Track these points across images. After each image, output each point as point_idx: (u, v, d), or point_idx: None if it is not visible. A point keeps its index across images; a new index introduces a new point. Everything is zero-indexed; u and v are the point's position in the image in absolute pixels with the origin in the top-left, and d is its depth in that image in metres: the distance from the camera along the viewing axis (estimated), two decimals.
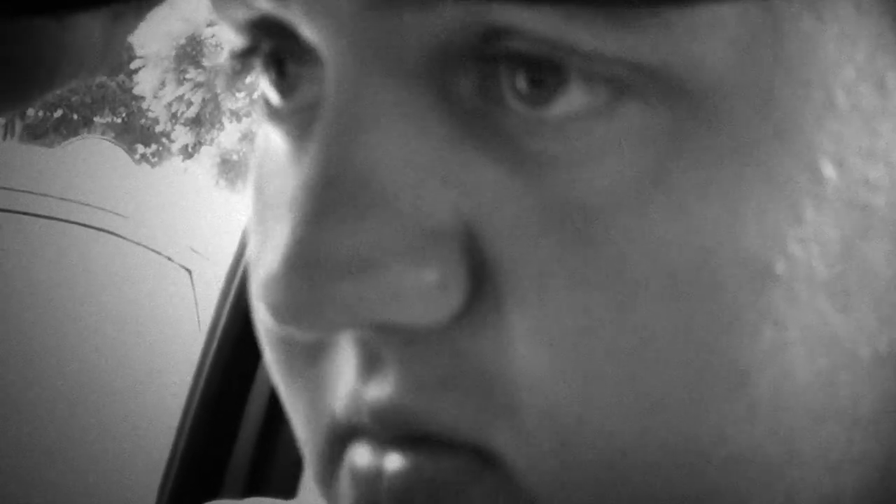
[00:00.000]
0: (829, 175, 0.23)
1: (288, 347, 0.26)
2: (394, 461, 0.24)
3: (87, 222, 1.42)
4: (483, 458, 0.24)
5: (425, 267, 0.23)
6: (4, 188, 1.34)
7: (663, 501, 0.24)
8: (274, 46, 0.26)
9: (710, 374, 0.23)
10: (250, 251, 0.29)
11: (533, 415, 0.23)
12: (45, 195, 1.38)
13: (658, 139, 0.23)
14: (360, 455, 0.25)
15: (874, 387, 0.24)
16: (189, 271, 1.56)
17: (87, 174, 1.56)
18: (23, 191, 1.36)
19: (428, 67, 0.24)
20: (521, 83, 0.23)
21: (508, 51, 0.23)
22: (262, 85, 0.27)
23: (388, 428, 0.24)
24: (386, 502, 0.24)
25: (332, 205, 0.23)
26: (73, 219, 1.42)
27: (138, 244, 1.48)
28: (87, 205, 1.44)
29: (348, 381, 0.25)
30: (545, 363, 0.23)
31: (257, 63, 0.27)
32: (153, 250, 1.50)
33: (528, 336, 0.23)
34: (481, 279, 0.23)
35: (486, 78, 0.23)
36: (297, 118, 0.26)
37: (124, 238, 1.46)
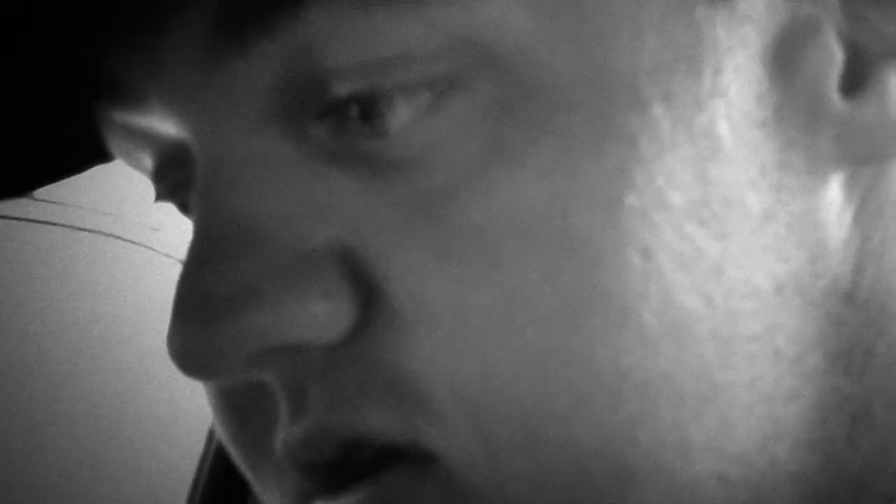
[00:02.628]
0: (657, 108, 0.24)
1: (237, 416, 0.28)
2: (344, 498, 0.25)
3: (117, 234, 1.43)
4: (421, 462, 0.25)
5: (303, 289, 0.24)
6: (47, 201, 1.35)
7: (593, 449, 0.24)
8: (174, 182, 0.28)
9: (589, 311, 0.23)
10: None
11: (445, 401, 0.24)
12: (80, 207, 1.39)
13: (486, 114, 0.24)
14: None
15: (786, 318, 0.25)
16: None
17: (116, 187, 1.57)
18: (47, 201, 1.37)
19: (275, 116, 0.25)
20: (356, 115, 0.24)
21: (338, 98, 0.24)
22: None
23: (321, 451, 0.25)
24: None
25: (209, 254, 0.24)
26: (107, 230, 1.43)
27: (168, 256, 1.48)
28: (115, 216, 1.45)
29: (282, 430, 0.26)
30: (440, 347, 0.24)
31: (170, 200, 0.29)
32: (165, 255, 1.50)
33: (418, 326, 0.24)
34: (371, 290, 0.24)
35: (331, 121, 0.25)
36: None
37: (156, 251, 1.47)
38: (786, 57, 0.26)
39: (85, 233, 1.39)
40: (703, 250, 0.24)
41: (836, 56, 0.27)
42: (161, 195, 0.29)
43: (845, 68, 0.27)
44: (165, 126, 0.26)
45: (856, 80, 0.27)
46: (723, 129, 0.25)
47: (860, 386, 0.27)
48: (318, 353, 0.25)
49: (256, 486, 0.28)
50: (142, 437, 1.36)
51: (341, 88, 0.24)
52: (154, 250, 1.46)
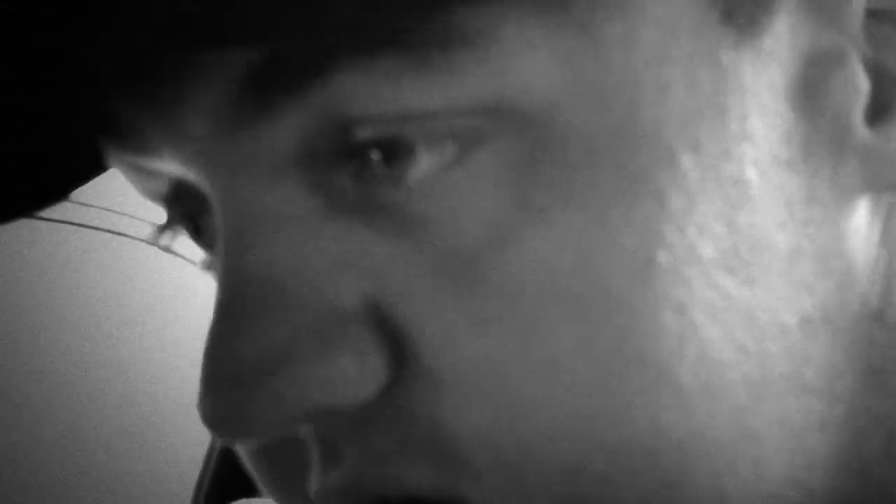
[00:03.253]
0: (685, 159, 0.23)
1: (272, 467, 0.27)
2: None
3: (137, 235, 1.45)
4: None
5: (337, 350, 0.24)
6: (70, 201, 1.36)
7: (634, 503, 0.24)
8: (186, 211, 0.28)
9: (626, 374, 0.23)
10: None
11: (481, 458, 0.24)
12: (93, 206, 1.41)
13: (513, 170, 0.23)
14: None
15: (816, 352, 0.25)
16: None
17: (122, 184, 1.56)
18: (70, 201, 1.37)
19: (296, 168, 0.25)
20: (380, 162, 0.24)
21: (360, 142, 0.24)
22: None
23: (354, 501, 0.25)
24: None
25: (238, 314, 0.24)
26: (121, 230, 1.44)
27: (180, 256, 1.50)
28: (137, 218, 1.47)
29: (316, 480, 0.26)
30: (475, 406, 0.24)
31: (180, 227, 0.29)
32: (188, 259, 1.52)
33: (454, 386, 0.24)
34: (402, 347, 0.24)
35: (354, 167, 0.24)
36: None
37: (176, 253, 1.48)
38: (810, 91, 0.25)
39: (91, 230, 1.40)
40: (734, 298, 0.24)
41: (862, 85, 0.26)
42: (172, 221, 0.29)
43: (870, 97, 0.26)
44: (180, 171, 0.26)
45: (880, 109, 0.26)
46: (751, 174, 0.24)
47: (894, 403, 0.26)
48: (352, 410, 0.24)
49: None
50: (150, 433, 1.38)
51: (364, 132, 0.24)
52: (173, 252, 1.46)
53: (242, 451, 0.28)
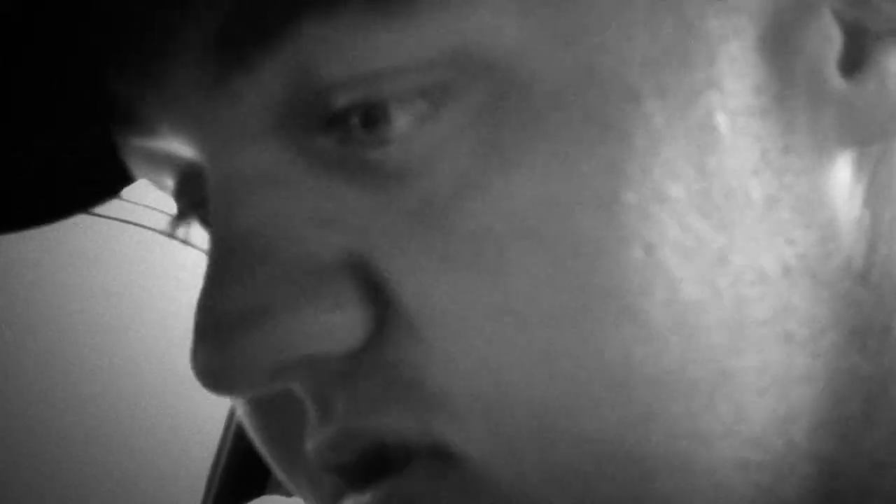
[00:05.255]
0: (650, 102, 0.24)
1: (267, 423, 0.28)
2: (366, 495, 0.26)
3: (144, 223, 1.44)
4: (442, 460, 0.25)
5: (317, 301, 0.25)
6: None
7: (606, 444, 0.24)
8: (193, 198, 0.29)
9: (591, 309, 0.24)
10: None
11: (460, 401, 0.24)
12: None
13: (480, 119, 0.24)
14: None
15: (798, 302, 0.25)
16: None
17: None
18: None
19: (279, 130, 0.26)
20: (359, 126, 0.25)
21: (339, 110, 0.25)
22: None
23: (348, 453, 0.26)
24: None
25: (222, 271, 0.25)
26: (128, 218, 1.43)
27: (188, 244, 1.49)
28: (144, 206, 1.45)
29: (311, 435, 0.27)
30: (451, 350, 0.24)
31: (192, 217, 0.30)
32: (200, 249, 1.50)
33: (430, 331, 0.24)
34: (384, 298, 0.25)
35: (335, 132, 0.25)
36: None
37: (180, 240, 1.47)
38: (783, 42, 0.26)
39: (101, 221, 1.39)
40: (707, 241, 0.24)
41: (835, 37, 0.27)
42: (182, 213, 0.30)
43: (844, 48, 0.27)
44: (178, 148, 0.27)
45: (855, 60, 0.27)
46: (720, 120, 0.25)
47: (876, 365, 0.27)
48: (337, 362, 0.25)
49: (291, 487, 0.29)
50: (160, 428, 1.37)
51: (340, 99, 0.25)
52: (174, 238, 1.46)
53: (241, 412, 0.29)
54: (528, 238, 0.24)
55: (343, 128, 0.25)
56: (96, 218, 1.38)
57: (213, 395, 0.25)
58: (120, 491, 1.31)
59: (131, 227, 1.42)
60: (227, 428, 1.02)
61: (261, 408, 0.28)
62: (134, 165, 0.29)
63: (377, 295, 0.25)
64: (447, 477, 0.25)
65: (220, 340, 0.25)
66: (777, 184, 0.25)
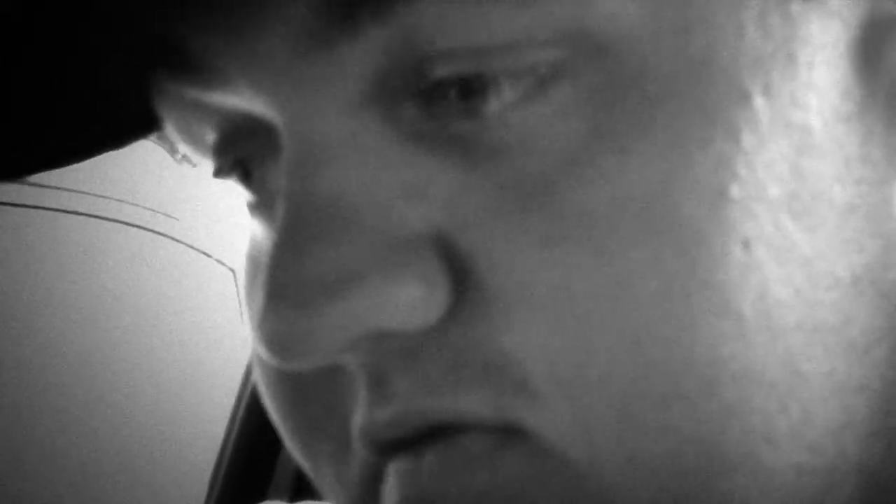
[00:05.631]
0: (758, 100, 0.25)
1: (297, 397, 0.27)
2: (425, 455, 0.25)
3: (136, 222, 1.44)
4: (508, 433, 0.25)
5: (403, 274, 0.24)
6: (51, 187, 1.35)
7: (687, 435, 0.24)
8: (239, 153, 0.28)
9: (690, 299, 0.24)
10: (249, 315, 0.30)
11: (542, 382, 0.24)
12: (91, 194, 1.40)
13: (591, 101, 0.24)
14: (395, 466, 0.26)
15: (860, 310, 0.26)
16: (233, 271, 1.57)
17: (134, 174, 1.57)
18: (69, 189, 1.37)
19: (371, 98, 0.25)
20: (455, 97, 0.25)
21: (438, 79, 0.25)
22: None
23: (407, 430, 0.25)
24: (428, 489, 0.25)
25: (305, 233, 0.24)
26: (121, 218, 1.43)
27: (180, 242, 1.49)
28: (136, 205, 1.45)
29: (363, 412, 0.26)
30: (539, 329, 0.24)
31: (230, 173, 0.29)
32: (199, 250, 1.51)
33: (517, 309, 0.24)
34: (465, 275, 0.25)
35: (426, 101, 0.25)
36: (270, 208, 0.28)
37: (171, 238, 1.47)
38: (869, 52, 0.27)
39: (101, 221, 1.39)
40: (796, 242, 0.25)
41: None
42: (222, 170, 0.29)
43: None
44: (244, 102, 0.26)
45: None
46: (815, 123, 0.25)
47: None
48: (405, 339, 0.25)
49: (308, 464, 0.28)
50: (162, 432, 1.37)
51: (445, 70, 0.24)
52: (172, 238, 1.46)
53: (267, 377, 0.28)
54: (634, 224, 0.24)
55: (438, 99, 0.25)
56: (95, 218, 1.38)
57: (277, 361, 0.24)
58: (121, 495, 1.31)
59: (131, 227, 1.42)
60: (229, 432, 1.02)
61: (296, 377, 0.27)
62: (170, 115, 0.28)
63: (459, 272, 0.25)
64: (519, 445, 0.25)
65: (304, 305, 0.24)
66: (855, 192, 0.26)
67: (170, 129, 0.29)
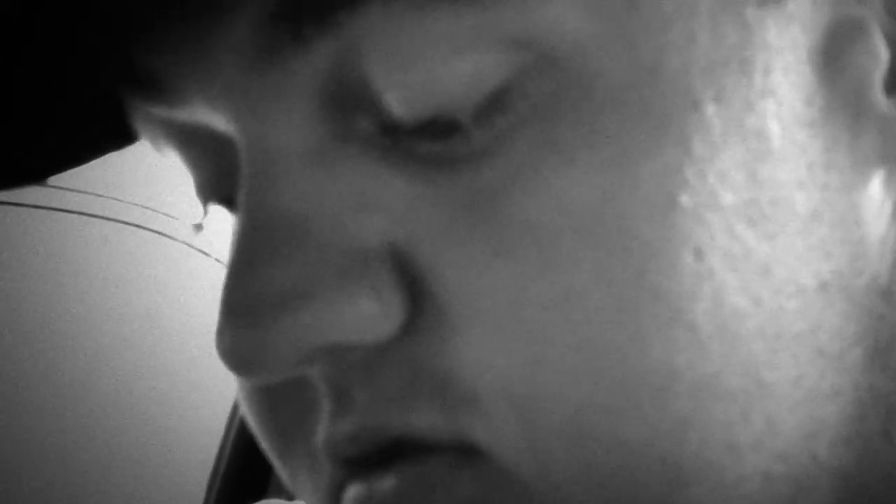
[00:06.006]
0: (709, 108, 0.24)
1: (271, 409, 0.28)
2: (383, 481, 0.25)
3: (134, 221, 1.44)
4: (463, 453, 0.25)
5: (356, 289, 0.24)
6: (51, 186, 1.35)
7: (641, 448, 0.24)
8: (212, 174, 0.28)
9: (641, 310, 0.23)
10: None
11: (492, 397, 0.24)
12: (91, 193, 1.40)
13: (539, 112, 0.24)
14: (352, 491, 0.26)
15: (830, 316, 0.25)
16: None
17: (134, 173, 1.57)
18: (69, 189, 1.37)
19: (322, 111, 0.25)
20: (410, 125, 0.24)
21: (396, 117, 0.24)
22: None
23: (365, 447, 0.25)
24: None
25: (257, 250, 0.24)
26: (119, 217, 1.43)
27: (180, 241, 1.49)
28: (134, 204, 1.45)
29: (325, 424, 0.26)
30: (489, 344, 0.24)
31: (215, 200, 0.29)
32: (198, 249, 1.51)
33: (467, 324, 0.24)
34: (419, 289, 0.24)
35: (378, 114, 0.25)
36: None
37: (170, 237, 1.47)
38: (831, 57, 0.26)
39: (101, 221, 1.39)
40: (752, 250, 0.24)
41: (881, 56, 0.27)
42: (202, 189, 0.29)
43: (890, 68, 0.27)
44: (205, 119, 0.26)
45: None
46: (773, 129, 0.25)
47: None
48: (364, 352, 0.25)
49: (285, 475, 0.29)
50: (161, 431, 1.37)
51: (399, 110, 0.24)
52: (170, 237, 1.46)
53: (244, 393, 0.28)
54: (581, 235, 0.24)
55: (383, 111, 0.25)
56: (94, 218, 1.38)
57: (237, 375, 0.25)
58: (120, 494, 1.31)
59: (130, 227, 1.42)
60: (228, 431, 1.01)
61: (267, 390, 0.28)
62: (147, 134, 0.28)
63: (413, 286, 0.25)
64: (473, 467, 0.25)
65: (255, 321, 0.24)
66: (819, 199, 0.25)
67: (152, 145, 0.29)
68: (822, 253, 0.25)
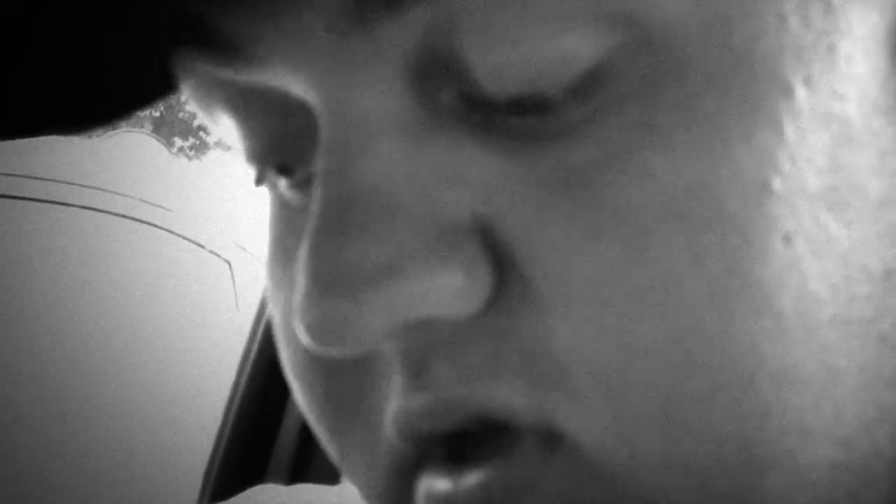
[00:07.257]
0: (800, 92, 0.24)
1: (328, 381, 0.27)
2: (467, 477, 0.25)
3: (130, 214, 1.44)
4: (548, 442, 0.24)
5: (447, 262, 0.24)
6: (48, 179, 1.35)
7: (726, 434, 0.24)
8: (279, 160, 0.28)
9: (733, 297, 0.23)
10: (270, 302, 0.29)
11: (579, 376, 0.24)
12: (88, 186, 1.40)
13: (635, 92, 0.24)
14: (433, 484, 0.25)
15: (892, 303, 0.25)
16: (228, 263, 1.57)
17: (130, 166, 1.57)
18: (66, 182, 1.37)
19: (411, 80, 0.25)
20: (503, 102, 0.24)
21: (489, 93, 0.24)
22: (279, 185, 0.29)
23: (444, 423, 0.25)
24: None
25: (345, 219, 0.24)
26: (116, 210, 1.43)
27: (176, 234, 1.49)
28: (131, 197, 1.45)
29: (398, 400, 0.25)
30: (580, 325, 0.24)
31: (272, 175, 0.28)
32: (194, 242, 1.51)
33: (559, 303, 0.24)
34: (506, 264, 0.24)
35: (466, 87, 0.24)
36: (303, 192, 0.28)
37: (167, 230, 1.47)
38: None
39: (95, 213, 1.39)
40: (834, 237, 0.24)
41: None
42: (257, 155, 0.28)
43: None
44: (281, 83, 0.26)
45: None
46: (854, 114, 0.25)
47: None
48: (447, 326, 0.25)
49: (333, 451, 0.28)
50: (159, 416, 1.37)
51: (493, 86, 0.24)
52: (166, 229, 1.46)
53: (299, 367, 0.28)
54: (678, 220, 0.23)
55: (479, 89, 0.24)
56: (88, 210, 1.38)
57: (320, 347, 0.24)
58: (119, 479, 1.31)
59: (125, 219, 1.42)
60: (226, 415, 1.02)
61: (328, 363, 0.27)
62: (196, 93, 0.28)
63: (501, 261, 0.24)
64: (555, 463, 0.24)
65: (349, 292, 0.23)
66: (889, 185, 0.25)
67: (197, 106, 0.28)
68: (889, 240, 0.25)
